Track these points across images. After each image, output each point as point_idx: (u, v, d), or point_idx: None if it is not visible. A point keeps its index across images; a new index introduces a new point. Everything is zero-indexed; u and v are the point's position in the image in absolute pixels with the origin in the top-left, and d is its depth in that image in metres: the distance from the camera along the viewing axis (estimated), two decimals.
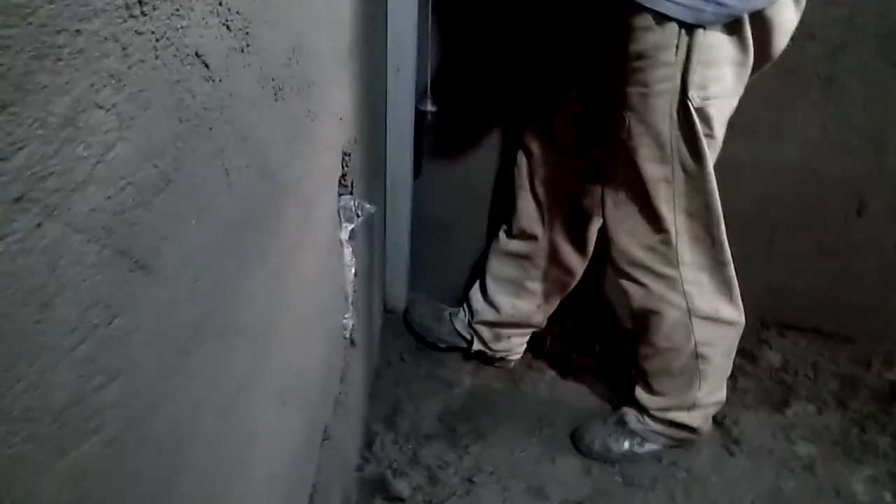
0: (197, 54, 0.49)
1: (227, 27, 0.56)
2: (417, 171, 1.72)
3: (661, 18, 1.17)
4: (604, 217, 1.42)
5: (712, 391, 1.54)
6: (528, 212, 1.64)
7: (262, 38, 0.63)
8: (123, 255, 0.41)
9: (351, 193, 1.21)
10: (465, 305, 1.80)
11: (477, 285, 1.77)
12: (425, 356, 1.82)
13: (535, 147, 1.59)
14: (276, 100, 0.70)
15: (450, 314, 1.83)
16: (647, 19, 1.18)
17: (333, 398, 1.21)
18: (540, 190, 1.61)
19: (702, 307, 1.42)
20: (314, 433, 1.08)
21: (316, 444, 1.10)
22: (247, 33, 0.60)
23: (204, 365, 0.56)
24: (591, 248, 1.68)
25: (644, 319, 1.47)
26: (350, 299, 1.29)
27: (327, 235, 1.05)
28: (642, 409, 1.58)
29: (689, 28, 1.16)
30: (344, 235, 1.21)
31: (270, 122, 0.69)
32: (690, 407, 1.54)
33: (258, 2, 0.62)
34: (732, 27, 1.17)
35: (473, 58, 1.59)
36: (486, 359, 1.80)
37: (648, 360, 1.53)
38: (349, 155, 1.16)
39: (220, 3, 0.53)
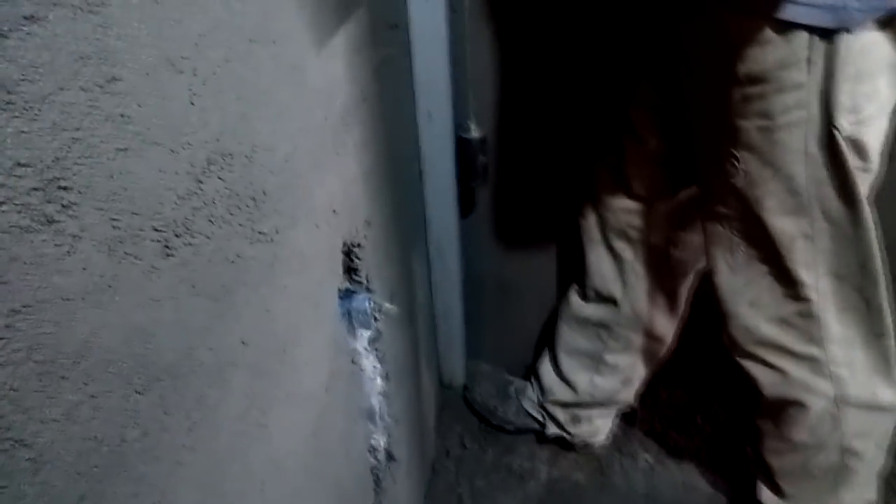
0: None
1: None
2: (467, 210, 1.44)
3: (784, 27, 0.84)
4: (714, 284, 1.09)
5: (862, 491, 1.19)
6: (602, 269, 1.33)
7: (95, 186, 0.37)
8: None
9: (368, 289, 0.96)
10: (533, 380, 1.51)
11: (546, 358, 1.48)
12: (491, 441, 1.54)
13: (603, 192, 1.28)
14: (166, 257, 0.45)
15: (516, 390, 1.54)
16: (762, 30, 0.86)
17: None
18: (616, 243, 1.30)
19: (854, 393, 1.07)
20: None
21: None
22: (61, 190, 0.35)
23: None
24: (683, 307, 1.35)
25: (777, 410, 1.14)
26: (378, 414, 1.04)
27: (324, 365, 0.79)
28: None
29: (827, 34, 0.83)
30: (360, 344, 0.96)
31: (151, 304, 0.43)
32: None
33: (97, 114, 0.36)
34: (889, 21, 0.83)
35: (522, 86, 1.29)
36: (565, 443, 1.50)
37: (779, 457, 1.20)
38: (357, 246, 0.90)
39: None
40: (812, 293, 1.01)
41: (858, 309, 1.02)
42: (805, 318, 1.03)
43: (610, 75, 1.23)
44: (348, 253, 0.88)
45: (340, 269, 0.85)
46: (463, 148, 1.30)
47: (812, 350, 1.05)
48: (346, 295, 0.89)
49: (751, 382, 1.14)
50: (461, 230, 1.43)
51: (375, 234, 0.99)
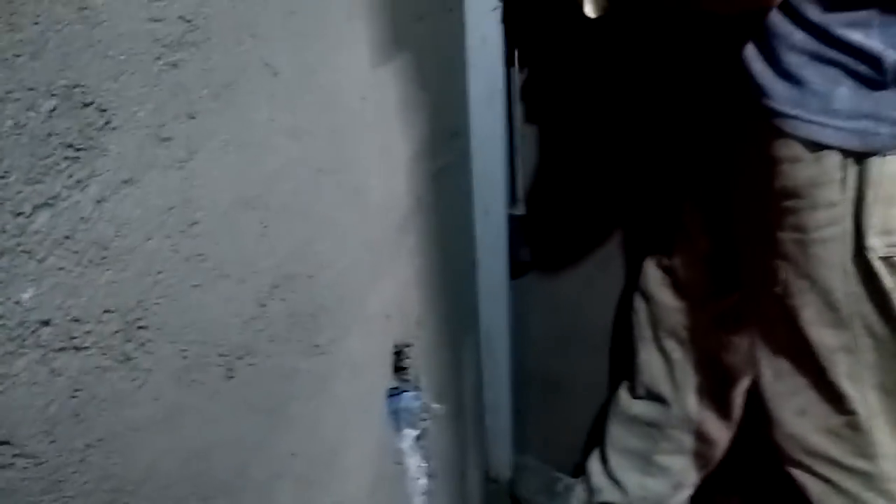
0: None
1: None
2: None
3: (815, 147, 0.86)
4: (761, 389, 1.07)
5: None
6: (653, 368, 1.31)
7: (174, 319, 0.41)
8: None
9: (416, 388, 0.97)
10: (582, 479, 1.47)
11: (596, 456, 1.45)
12: None
13: (654, 290, 1.27)
14: (228, 379, 0.48)
15: (564, 487, 1.51)
16: (794, 148, 0.87)
17: None
18: (667, 342, 1.28)
19: None
20: None
21: None
22: (140, 325, 0.38)
23: None
24: (738, 411, 1.32)
25: None
26: None
27: (370, 468, 0.81)
28: None
29: (858, 157, 0.84)
30: (405, 444, 0.97)
31: (211, 425, 0.46)
32: None
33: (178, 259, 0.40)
34: None
35: (573, 181, 1.32)
36: None
37: None
38: (409, 346, 0.92)
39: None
40: (859, 406, 0.97)
41: None
42: (854, 431, 1.00)
43: (664, 173, 1.25)
44: (398, 353, 0.90)
45: (390, 370, 0.87)
46: (510, 224, 1.32)
47: (863, 464, 1.01)
48: (393, 394, 0.91)
49: (802, 493, 1.10)
50: (512, 324, 1.45)
51: (426, 334, 1.01)
